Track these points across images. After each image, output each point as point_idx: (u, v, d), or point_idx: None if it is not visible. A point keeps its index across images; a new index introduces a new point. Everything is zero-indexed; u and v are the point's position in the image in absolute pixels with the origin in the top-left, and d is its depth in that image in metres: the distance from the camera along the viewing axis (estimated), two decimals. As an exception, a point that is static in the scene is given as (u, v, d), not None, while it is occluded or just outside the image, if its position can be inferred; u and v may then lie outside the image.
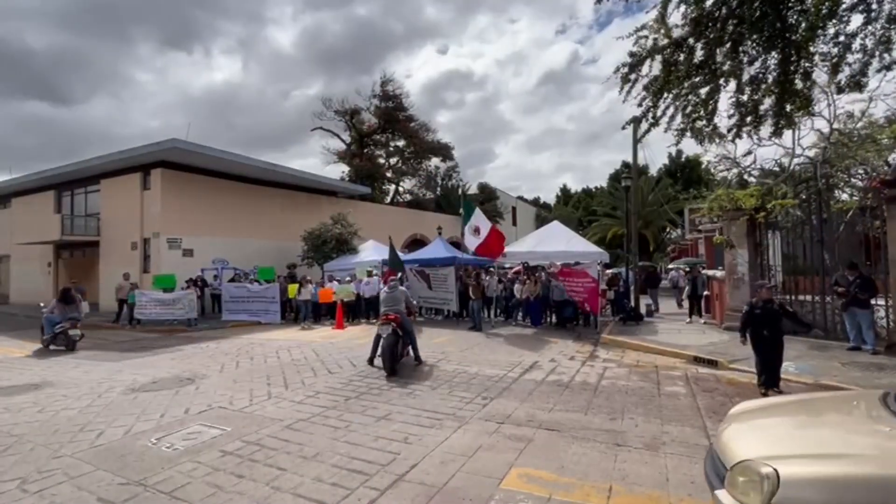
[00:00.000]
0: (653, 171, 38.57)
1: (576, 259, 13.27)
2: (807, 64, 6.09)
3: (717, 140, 8.27)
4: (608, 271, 15.47)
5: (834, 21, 5.58)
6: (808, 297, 9.83)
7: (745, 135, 7.20)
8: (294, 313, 14.75)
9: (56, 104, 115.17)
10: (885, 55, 5.57)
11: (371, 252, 17.43)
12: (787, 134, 13.38)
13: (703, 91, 6.96)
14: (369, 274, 15.29)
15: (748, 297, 9.19)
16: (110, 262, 18.46)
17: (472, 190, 39.15)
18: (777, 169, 16.40)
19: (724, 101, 7.13)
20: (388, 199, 38.38)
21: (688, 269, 15.98)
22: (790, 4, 5.86)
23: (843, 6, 5.51)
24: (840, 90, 6.48)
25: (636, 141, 14.36)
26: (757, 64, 6.47)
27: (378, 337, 7.88)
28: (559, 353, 8.97)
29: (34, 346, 10.99)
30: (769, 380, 5.86)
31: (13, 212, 23.02)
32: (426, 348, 9.25)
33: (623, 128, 9.04)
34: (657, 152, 61.13)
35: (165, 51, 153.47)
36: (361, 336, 11.20)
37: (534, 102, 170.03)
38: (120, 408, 5.83)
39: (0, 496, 3.58)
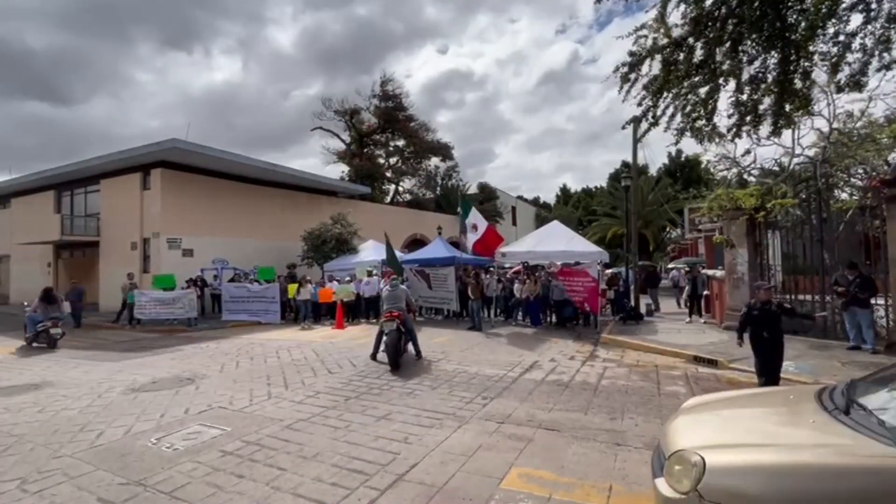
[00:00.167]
0: (652, 171, 38.57)
1: (576, 259, 13.27)
2: (806, 63, 6.10)
3: (717, 140, 8.27)
4: (608, 271, 15.47)
5: (833, 20, 5.59)
6: (808, 297, 9.83)
7: (744, 134, 7.21)
8: (294, 313, 14.75)
9: (56, 104, 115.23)
10: (885, 54, 5.57)
11: (371, 252, 17.41)
12: (787, 133, 13.41)
13: (703, 90, 6.97)
14: (369, 274, 15.28)
15: (748, 296, 9.19)
16: (110, 262, 18.45)
17: (472, 190, 39.18)
18: (777, 168, 16.41)
19: (724, 100, 7.14)
20: (388, 198, 38.38)
21: (688, 269, 15.98)
22: (790, 4, 5.87)
23: (843, 6, 5.51)
24: (840, 89, 6.48)
25: (636, 140, 14.36)
26: (756, 63, 6.48)
27: (380, 334, 8.36)
28: (559, 353, 8.97)
29: (34, 346, 11.01)
30: (769, 381, 5.85)
31: (13, 212, 23.01)
32: (426, 348, 9.26)
33: (623, 127, 9.06)
34: (657, 152, 61.26)
35: (165, 51, 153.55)
36: (361, 336, 11.20)
37: (534, 102, 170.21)
38: (120, 408, 5.83)
39: (0, 496, 3.59)
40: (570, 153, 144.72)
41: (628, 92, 7.27)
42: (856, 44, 5.64)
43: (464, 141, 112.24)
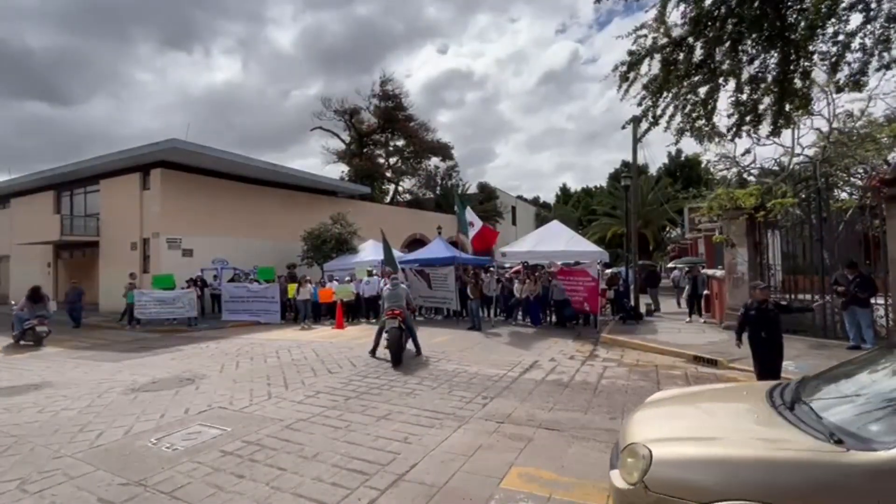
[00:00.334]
0: (652, 171, 38.61)
1: (575, 258, 13.29)
2: (806, 63, 6.09)
3: (717, 139, 8.27)
4: (607, 271, 15.48)
5: (833, 20, 5.58)
6: (808, 296, 9.83)
7: (744, 134, 7.20)
8: (294, 313, 14.76)
9: (56, 104, 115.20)
10: (885, 54, 5.57)
11: (370, 252, 17.42)
12: (787, 133, 13.39)
13: (703, 90, 6.96)
14: (369, 274, 15.29)
15: (748, 296, 9.19)
16: (110, 262, 18.45)
17: (472, 189, 39.15)
18: (776, 168, 16.41)
19: (724, 100, 7.14)
20: (388, 198, 38.39)
21: (688, 269, 15.98)
22: (789, 4, 5.87)
23: (843, 5, 5.51)
24: (839, 89, 6.48)
25: (636, 140, 14.35)
26: (756, 63, 6.47)
27: (380, 331, 8.76)
28: (559, 353, 8.97)
29: (33, 346, 11.02)
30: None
31: (13, 212, 23.01)
32: (426, 348, 9.28)
33: (623, 127, 9.06)
34: (657, 151, 61.29)
35: (165, 51, 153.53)
36: (361, 336, 11.20)
37: (534, 102, 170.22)
38: (120, 408, 5.83)
39: (0, 496, 3.59)
40: (570, 153, 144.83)
41: (627, 91, 7.26)
42: (855, 43, 5.64)
43: (464, 141, 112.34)
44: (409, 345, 8.86)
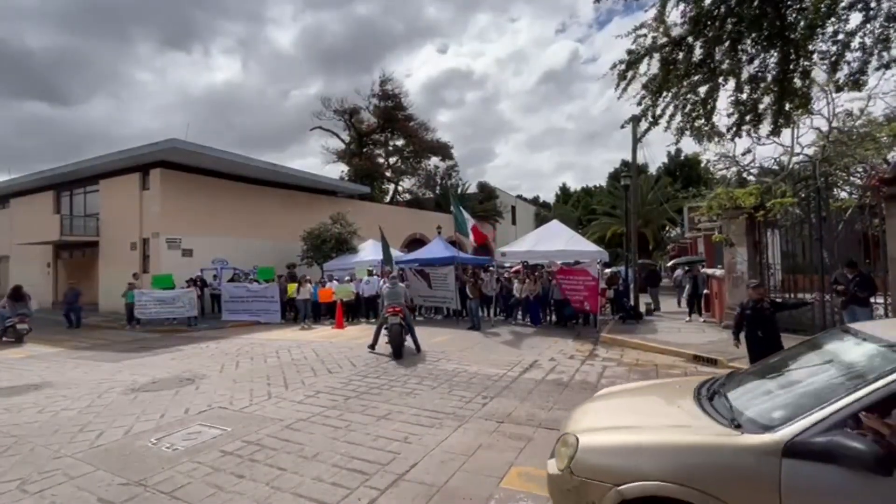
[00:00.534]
0: (652, 170, 38.56)
1: (575, 258, 13.29)
2: (806, 62, 6.09)
3: (717, 139, 8.27)
4: (606, 270, 15.48)
5: (833, 19, 5.58)
6: (808, 295, 9.83)
7: (744, 133, 7.20)
8: (294, 313, 14.76)
9: (55, 104, 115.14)
10: (884, 53, 5.57)
11: (370, 251, 17.42)
12: (786, 132, 13.38)
13: (703, 90, 6.96)
14: (369, 273, 15.29)
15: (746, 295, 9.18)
16: (110, 262, 18.44)
17: (472, 189, 39.14)
18: (776, 167, 16.41)
19: (724, 99, 7.14)
20: (388, 198, 38.38)
21: (687, 269, 15.99)
22: (789, 3, 5.87)
23: (842, 5, 5.51)
24: (839, 88, 6.48)
25: (636, 140, 14.35)
26: (756, 62, 6.47)
27: (380, 327, 9.30)
28: (559, 352, 8.97)
29: (34, 346, 11.03)
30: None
31: (12, 212, 23.00)
32: (426, 348, 9.31)
33: (622, 126, 9.04)
34: (656, 151, 61.26)
35: (165, 51, 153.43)
36: (361, 336, 11.19)
37: (534, 101, 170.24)
38: (120, 408, 5.83)
39: (0, 496, 3.59)
40: (570, 152, 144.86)
41: (625, 90, 7.25)
42: (855, 43, 5.64)
43: (464, 140, 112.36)
44: (409, 343, 9.10)
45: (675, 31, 6.75)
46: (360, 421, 5.14)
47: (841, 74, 5.98)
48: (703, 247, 20.48)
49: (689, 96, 7.06)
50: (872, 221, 8.87)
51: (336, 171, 40.33)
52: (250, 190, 20.26)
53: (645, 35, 6.93)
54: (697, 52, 6.62)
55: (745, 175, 16.64)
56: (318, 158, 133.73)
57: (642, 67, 7.06)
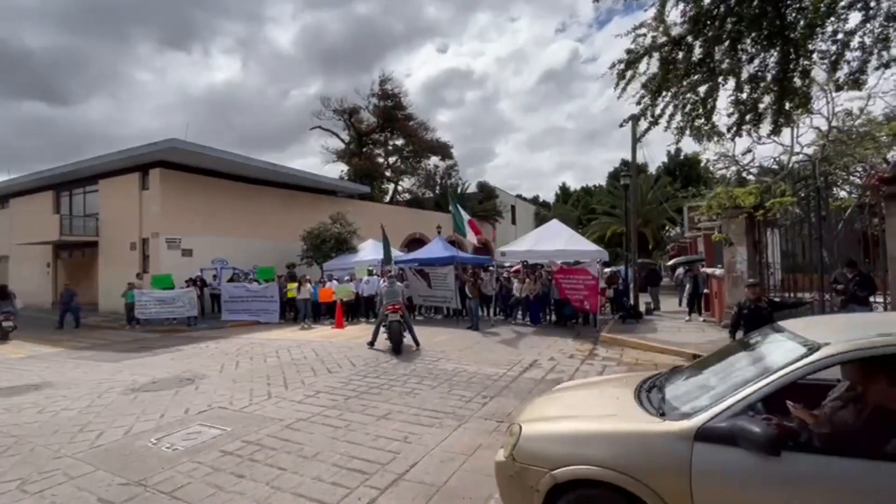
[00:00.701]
0: (651, 170, 38.58)
1: (575, 258, 13.30)
2: (805, 62, 6.09)
3: (717, 139, 8.26)
4: (606, 270, 15.49)
5: (832, 19, 5.58)
6: (807, 294, 9.83)
7: (744, 133, 7.20)
8: (294, 313, 14.76)
9: (55, 104, 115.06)
10: (884, 53, 5.56)
11: (370, 251, 17.42)
12: (786, 131, 13.34)
13: (702, 89, 6.95)
14: (369, 273, 15.28)
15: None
16: (109, 262, 18.45)
17: (472, 189, 39.15)
18: (776, 167, 16.39)
19: (724, 99, 7.12)
20: (388, 198, 38.37)
21: (688, 268, 15.99)
22: (788, 2, 5.87)
23: (842, 4, 5.51)
24: (839, 88, 6.47)
25: (635, 139, 14.35)
26: (756, 62, 6.47)
27: (379, 324, 9.72)
28: (558, 352, 8.98)
29: (33, 346, 11.02)
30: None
31: (12, 212, 22.99)
32: (426, 347, 9.33)
33: (621, 125, 9.02)
34: (656, 150, 61.27)
35: (164, 50, 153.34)
36: (361, 335, 11.19)
37: (534, 101, 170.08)
38: (120, 408, 5.84)
39: (0, 496, 3.59)
40: (570, 152, 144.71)
41: (624, 90, 7.24)
42: (855, 42, 5.64)
43: (463, 140, 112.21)
44: (408, 341, 9.39)
45: (675, 31, 6.74)
46: (359, 420, 5.14)
47: (841, 74, 5.98)
48: (702, 246, 20.44)
49: (688, 96, 7.06)
50: (872, 221, 8.85)
51: (336, 170, 40.37)
52: (250, 190, 20.25)
53: (644, 34, 6.93)
54: (697, 52, 6.62)
55: (744, 174, 16.62)
56: (318, 158, 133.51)
57: (642, 67, 7.05)
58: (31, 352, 10.44)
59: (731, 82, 6.74)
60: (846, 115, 13.69)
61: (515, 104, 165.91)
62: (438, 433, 4.72)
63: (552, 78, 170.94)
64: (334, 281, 15.39)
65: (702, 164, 26.19)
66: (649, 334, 10.41)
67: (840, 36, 5.67)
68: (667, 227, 35.16)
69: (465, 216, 14.50)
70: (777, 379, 2.24)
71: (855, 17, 5.66)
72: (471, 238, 14.66)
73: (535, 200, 57.97)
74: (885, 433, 2.16)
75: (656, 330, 11.13)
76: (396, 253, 16.56)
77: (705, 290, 13.16)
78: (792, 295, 10.07)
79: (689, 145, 57.35)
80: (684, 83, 6.91)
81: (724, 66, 6.61)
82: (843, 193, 11.80)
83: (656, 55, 6.89)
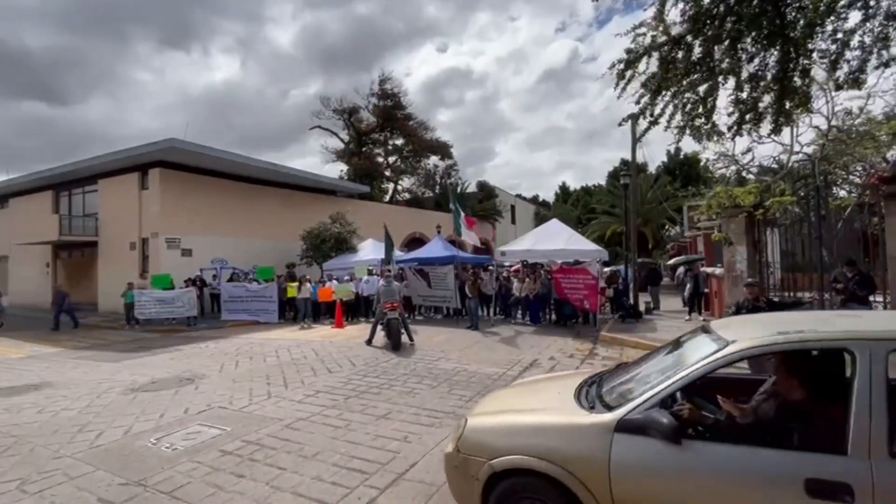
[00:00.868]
0: (651, 169, 38.59)
1: (574, 257, 13.30)
2: (805, 61, 6.08)
3: (716, 138, 8.25)
4: (606, 269, 15.50)
5: (832, 18, 5.58)
6: (806, 293, 9.83)
7: (744, 132, 7.19)
8: (294, 312, 14.76)
9: (54, 104, 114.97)
10: (884, 52, 5.56)
11: (370, 251, 17.41)
12: (786, 131, 13.35)
13: (702, 89, 6.94)
14: (369, 273, 15.28)
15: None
16: (109, 262, 18.44)
17: (472, 188, 39.15)
18: (775, 166, 16.39)
19: (723, 98, 7.12)
20: (388, 197, 38.37)
21: (688, 268, 15.99)
22: (788, 1, 5.86)
23: (841, 3, 5.50)
24: (839, 87, 6.46)
25: (635, 139, 14.35)
26: (756, 61, 6.45)
27: (376, 322, 10.13)
28: (558, 351, 8.98)
29: (33, 346, 11.02)
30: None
31: (11, 212, 22.98)
32: (426, 347, 9.33)
33: (620, 124, 8.99)
34: (656, 150, 61.16)
35: (164, 50, 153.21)
36: (361, 335, 11.18)
37: (533, 100, 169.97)
38: (119, 408, 5.83)
39: (0, 496, 3.59)
40: (570, 151, 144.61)
41: (623, 89, 7.23)
42: (854, 41, 5.63)
43: (463, 139, 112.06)
44: (404, 337, 9.75)
45: (675, 30, 6.73)
46: (359, 420, 5.14)
47: (840, 73, 5.97)
48: (702, 245, 20.46)
49: (688, 95, 7.05)
50: (871, 220, 8.85)
51: (335, 170, 40.34)
52: (250, 190, 20.25)
53: (644, 34, 6.91)
54: (697, 51, 6.61)
55: (744, 174, 16.62)
56: (318, 158, 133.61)
57: (641, 66, 7.04)
58: (30, 352, 10.44)
59: (731, 81, 6.73)
60: (846, 115, 13.69)
61: (515, 104, 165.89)
62: (438, 433, 4.72)
63: (552, 77, 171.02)
64: (334, 281, 15.39)
65: (701, 164, 26.18)
66: (649, 334, 10.41)
67: (840, 35, 5.66)
68: (666, 227, 35.16)
69: (463, 214, 14.53)
70: (690, 373, 2.38)
71: (855, 16, 5.66)
72: (468, 238, 14.55)
73: (534, 200, 57.99)
74: (778, 422, 2.37)
75: (656, 329, 11.13)
76: (396, 252, 16.56)
77: (705, 290, 13.17)
78: (792, 294, 10.07)
79: (688, 145, 57.28)
80: (684, 82, 6.90)
81: (724, 65, 6.61)
82: (842, 193, 11.80)
83: (656, 54, 6.87)
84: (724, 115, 7.36)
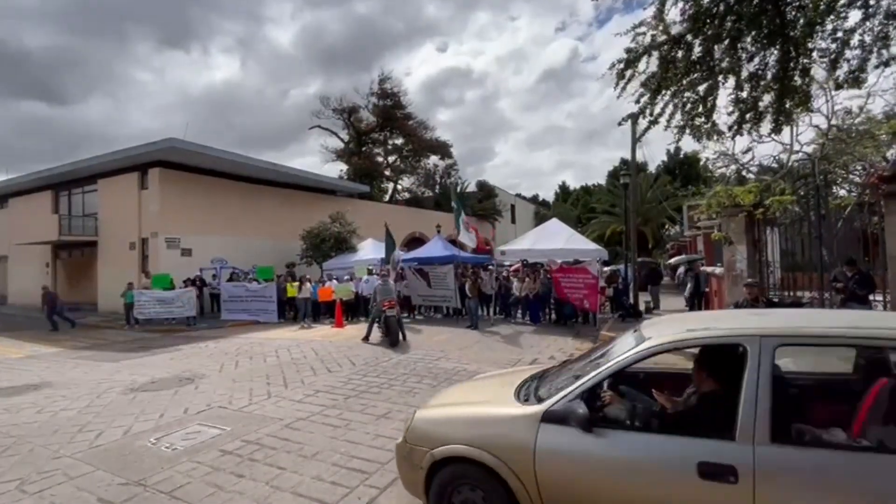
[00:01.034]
0: (651, 168, 38.58)
1: (574, 257, 13.30)
2: (805, 60, 6.08)
3: (716, 137, 8.25)
4: (606, 269, 15.50)
5: (832, 17, 5.58)
6: (805, 293, 9.83)
7: (744, 132, 7.19)
8: (293, 312, 14.75)
9: (54, 104, 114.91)
10: (883, 51, 5.55)
11: (370, 250, 17.41)
12: (785, 130, 13.35)
13: (702, 88, 6.94)
14: (369, 272, 15.27)
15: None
16: (108, 262, 18.42)
17: (471, 188, 39.13)
18: (775, 165, 16.39)
19: (723, 97, 7.11)
20: (387, 197, 38.36)
21: (689, 267, 16.00)
22: (788, 0, 5.86)
23: (841, 2, 5.50)
24: (839, 86, 6.46)
25: (635, 138, 14.33)
26: (756, 60, 6.45)
27: (373, 320, 10.54)
28: (558, 351, 8.98)
29: (33, 346, 11.01)
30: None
31: (11, 212, 22.96)
32: (426, 347, 9.33)
33: (620, 124, 8.98)
34: (656, 149, 61.10)
35: (163, 50, 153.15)
36: (360, 335, 11.16)
37: (533, 100, 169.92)
38: (119, 408, 5.83)
39: (0, 496, 3.58)
40: (570, 151, 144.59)
41: (623, 89, 7.23)
42: (854, 40, 5.63)
43: (463, 139, 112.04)
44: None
45: (675, 29, 6.72)
46: (359, 420, 5.14)
47: (840, 72, 5.97)
48: (702, 245, 20.48)
49: (688, 94, 7.04)
50: (871, 219, 8.84)
51: (335, 170, 40.28)
52: (249, 189, 20.23)
53: (644, 33, 6.91)
54: (697, 50, 6.61)
55: (744, 173, 16.62)
56: (318, 157, 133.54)
57: (641, 66, 7.03)
58: (30, 352, 10.44)
59: (731, 81, 6.73)
60: (846, 114, 13.68)
61: (515, 103, 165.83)
62: (438, 432, 4.71)
63: (552, 77, 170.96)
64: (334, 280, 15.38)
65: (701, 163, 26.16)
66: (649, 333, 10.40)
67: (840, 34, 5.66)
68: (666, 226, 35.18)
69: (464, 215, 14.57)
70: (608, 368, 2.57)
71: (855, 16, 5.66)
72: (467, 241, 14.57)
73: (534, 199, 57.98)
74: (690, 412, 2.60)
75: (656, 329, 11.12)
76: (399, 252, 16.54)
77: (706, 289, 13.17)
78: (791, 293, 10.07)
79: (688, 144, 57.38)
80: (684, 82, 6.90)
81: (724, 64, 6.60)
82: (842, 192, 11.79)
83: (656, 54, 6.87)
84: (724, 114, 7.36)
